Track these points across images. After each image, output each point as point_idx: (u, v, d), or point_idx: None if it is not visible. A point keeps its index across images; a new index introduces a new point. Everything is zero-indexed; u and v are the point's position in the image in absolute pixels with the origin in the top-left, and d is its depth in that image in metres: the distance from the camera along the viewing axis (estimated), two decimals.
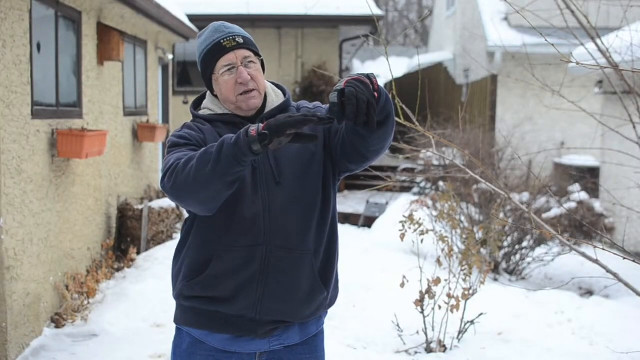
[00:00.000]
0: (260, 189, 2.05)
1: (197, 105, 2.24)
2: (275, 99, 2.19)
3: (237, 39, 2.08)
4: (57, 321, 4.98)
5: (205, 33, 2.13)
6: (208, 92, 2.21)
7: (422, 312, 4.57)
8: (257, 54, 2.13)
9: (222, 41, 2.07)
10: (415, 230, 4.56)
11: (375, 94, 1.78)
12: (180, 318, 2.18)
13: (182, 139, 2.06)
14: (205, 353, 2.13)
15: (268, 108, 2.15)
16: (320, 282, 2.14)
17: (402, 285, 4.48)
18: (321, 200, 2.12)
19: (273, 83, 2.25)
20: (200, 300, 2.09)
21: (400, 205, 9.10)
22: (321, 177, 2.12)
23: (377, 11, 14.18)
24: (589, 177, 9.12)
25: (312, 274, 2.11)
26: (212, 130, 2.11)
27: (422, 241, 4.61)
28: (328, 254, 2.18)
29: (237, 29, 2.13)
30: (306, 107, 2.21)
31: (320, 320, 2.25)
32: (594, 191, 9.68)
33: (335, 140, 2.09)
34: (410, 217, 4.58)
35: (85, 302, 5.36)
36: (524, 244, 7.23)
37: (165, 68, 9.67)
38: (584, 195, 8.80)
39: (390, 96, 1.92)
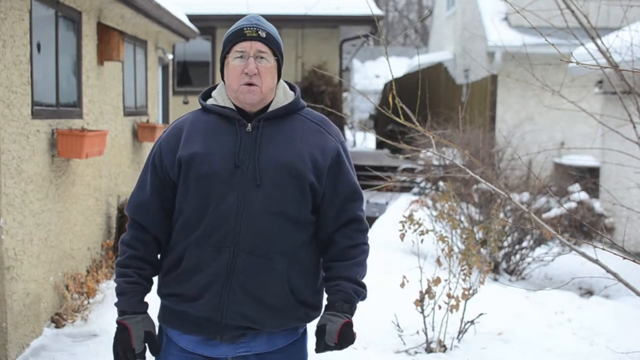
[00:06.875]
0: (239, 188, 2.04)
1: (207, 93, 2.26)
2: (283, 99, 2.17)
3: (260, 32, 2.11)
4: (57, 321, 4.98)
5: (240, 20, 2.19)
6: (221, 82, 2.24)
7: (422, 312, 4.57)
8: (275, 54, 2.13)
9: (245, 29, 2.12)
10: (415, 230, 4.56)
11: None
12: (159, 315, 2.21)
13: (153, 151, 2.16)
14: (178, 353, 2.13)
15: (273, 107, 2.14)
16: (292, 295, 2.09)
17: (402, 285, 4.48)
18: (300, 212, 2.09)
19: (288, 83, 2.24)
20: (172, 298, 2.11)
21: (400, 205, 9.11)
22: (303, 191, 2.09)
23: (377, 11, 14.18)
24: (589, 177, 9.12)
25: (282, 284, 2.07)
26: (195, 130, 2.12)
27: (422, 241, 4.61)
28: (304, 268, 2.13)
29: (267, 25, 2.16)
30: (310, 116, 2.19)
31: (295, 331, 2.19)
32: (594, 191, 9.67)
33: (320, 209, 2.17)
34: (410, 217, 4.59)
35: (85, 302, 5.36)
36: (524, 244, 7.23)
37: (165, 68, 9.67)
38: (584, 195, 8.80)
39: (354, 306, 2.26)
